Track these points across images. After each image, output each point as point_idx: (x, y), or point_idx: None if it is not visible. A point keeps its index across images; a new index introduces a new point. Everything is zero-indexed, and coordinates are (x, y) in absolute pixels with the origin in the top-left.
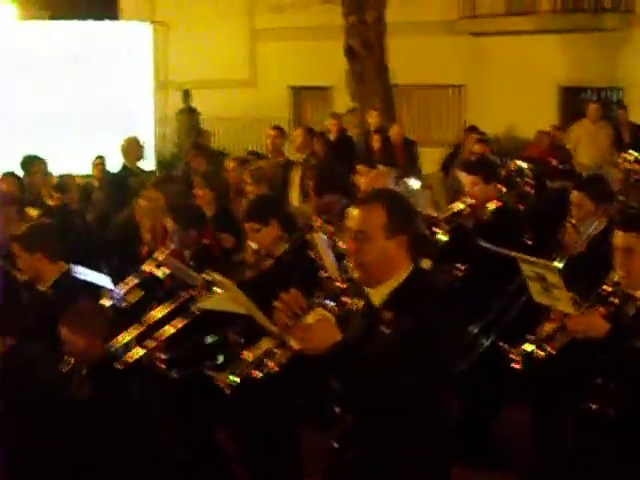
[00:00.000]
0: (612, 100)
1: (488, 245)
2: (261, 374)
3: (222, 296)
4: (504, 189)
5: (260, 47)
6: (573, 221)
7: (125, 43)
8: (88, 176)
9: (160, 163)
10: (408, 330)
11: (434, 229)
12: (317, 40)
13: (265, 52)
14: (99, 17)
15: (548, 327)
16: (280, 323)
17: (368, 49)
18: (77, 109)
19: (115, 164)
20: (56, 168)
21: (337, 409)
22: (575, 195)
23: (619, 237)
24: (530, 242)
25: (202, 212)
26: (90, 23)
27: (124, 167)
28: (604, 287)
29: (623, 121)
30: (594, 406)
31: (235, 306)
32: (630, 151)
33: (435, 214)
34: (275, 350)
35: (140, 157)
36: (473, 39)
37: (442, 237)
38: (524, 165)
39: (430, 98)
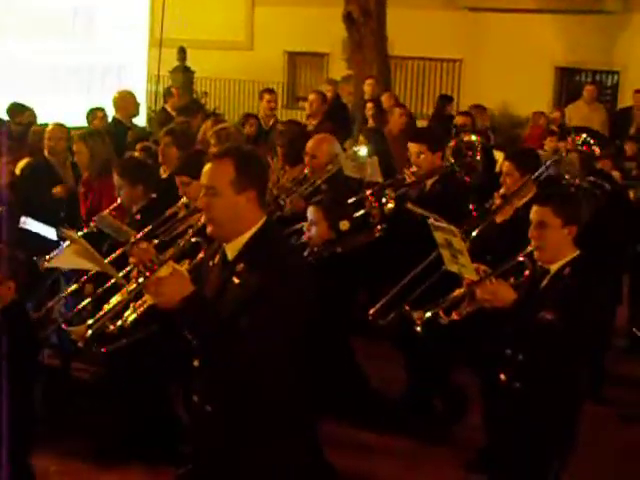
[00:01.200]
0: (607, 84)
1: (415, 208)
2: (116, 327)
3: (70, 251)
4: (452, 159)
5: (258, 10)
6: (502, 190)
7: None
8: (82, 128)
9: (151, 120)
10: (253, 282)
11: (382, 197)
12: (315, 6)
13: (263, 15)
14: None
15: (456, 294)
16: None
17: (367, 17)
18: (72, 63)
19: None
20: (47, 119)
21: (195, 362)
22: (505, 165)
23: (534, 211)
24: (474, 213)
25: (150, 168)
26: None
27: (115, 121)
28: (518, 258)
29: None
30: (503, 377)
31: (83, 261)
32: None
33: (381, 180)
34: (131, 303)
35: (135, 113)
36: (471, 14)
37: (389, 204)
38: (473, 138)
39: (426, 71)
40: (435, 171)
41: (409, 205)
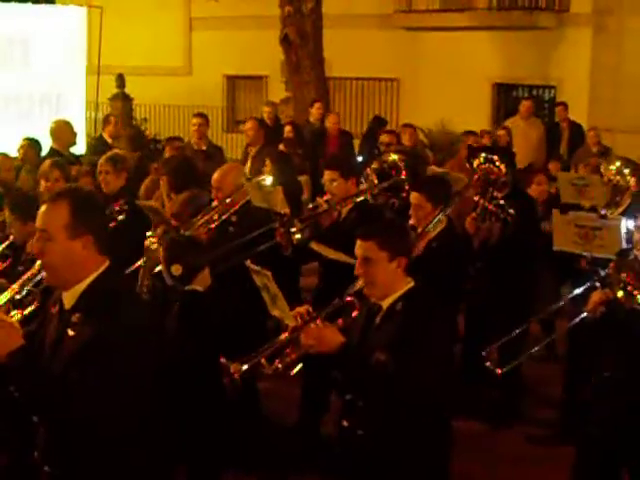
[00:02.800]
0: (544, 98)
1: (320, 247)
2: None
3: None
4: (376, 180)
5: (196, 35)
6: (411, 222)
7: (60, 26)
8: (14, 158)
9: (90, 148)
10: (87, 333)
11: (290, 227)
12: (252, 29)
13: (200, 40)
14: (35, 1)
15: (281, 339)
16: None
17: (304, 39)
18: (7, 91)
19: (44, 148)
20: None
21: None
22: (413, 196)
23: (357, 246)
24: None
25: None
26: (25, 6)
27: (52, 151)
28: (345, 298)
29: (562, 118)
30: (345, 423)
31: None
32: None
33: (287, 211)
34: None
35: (72, 142)
36: (408, 33)
37: (296, 235)
38: (394, 157)
39: (364, 91)
40: (350, 198)
41: (313, 245)
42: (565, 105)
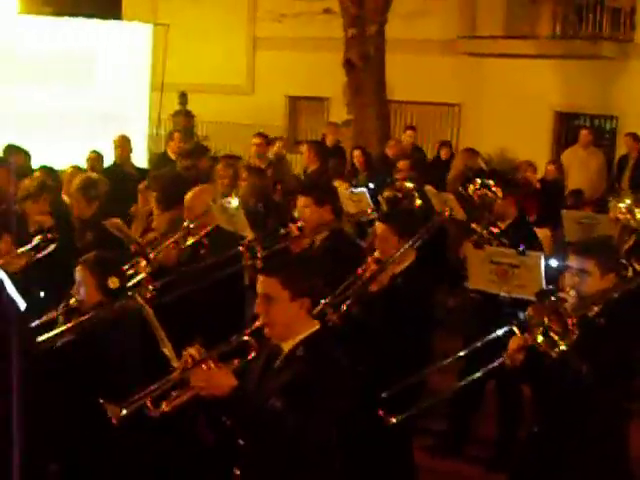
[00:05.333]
0: (606, 128)
1: None
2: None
3: None
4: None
5: (259, 54)
6: (376, 254)
7: (125, 43)
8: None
9: (153, 164)
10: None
11: (254, 252)
12: (316, 51)
13: (264, 60)
14: (102, 16)
15: (168, 379)
16: None
17: (367, 62)
18: (73, 107)
19: (108, 161)
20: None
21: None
22: (378, 227)
23: (259, 282)
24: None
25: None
26: (91, 22)
27: (114, 164)
28: (242, 337)
29: (632, 148)
30: (237, 472)
31: None
32: (477, 179)
33: (250, 235)
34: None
35: (127, 156)
36: (470, 59)
37: (259, 261)
38: (408, 185)
39: (425, 116)
40: (323, 226)
41: None
42: (635, 136)
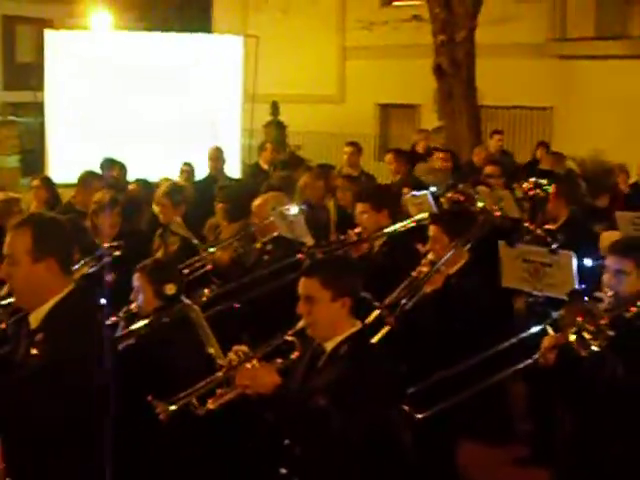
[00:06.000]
0: None
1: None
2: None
3: None
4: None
5: (349, 64)
6: (430, 256)
7: (217, 55)
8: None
9: (246, 174)
10: (47, 354)
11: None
12: (406, 58)
13: (354, 69)
14: (193, 30)
15: (213, 379)
16: None
17: (457, 68)
18: (167, 119)
19: (201, 173)
20: (143, 175)
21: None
22: (431, 229)
23: (300, 284)
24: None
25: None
26: (183, 35)
27: (209, 175)
28: (285, 336)
29: None
30: (283, 470)
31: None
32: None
33: (310, 242)
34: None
35: (221, 168)
36: (562, 62)
37: None
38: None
39: (516, 120)
40: (381, 232)
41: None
42: None
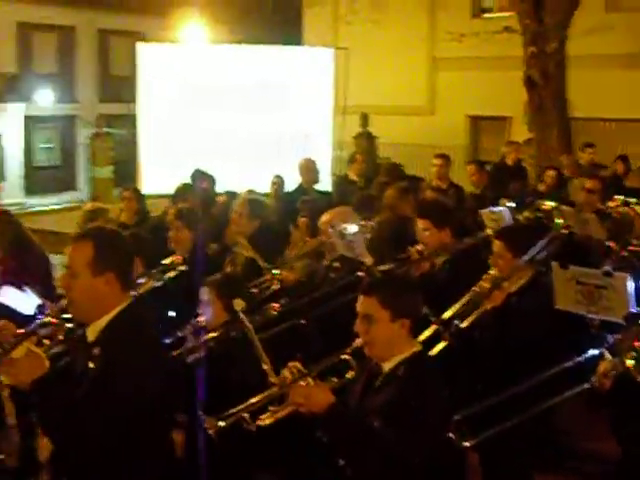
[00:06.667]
0: None
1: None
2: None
3: None
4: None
5: (439, 75)
6: (492, 272)
7: (308, 68)
8: (266, 195)
9: (336, 186)
10: (104, 367)
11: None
12: (496, 70)
13: (444, 80)
14: (283, 42)
15: (267, 394)
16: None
17: (547, 80)
18: (258, 131)
19: (292, 185)
20: (235, 187)
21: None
22: (495, 245)
23: (359, 302)
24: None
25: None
26: (274, 48)
27: (299, 187)
28: (342, 355)
29: None
30: None
31: None
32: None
33: (369, 261)
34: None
35: (314, 180)
36: None
37: None
38: (549, 204)
39: (609, 133)
40: (444, 249)
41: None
42: None
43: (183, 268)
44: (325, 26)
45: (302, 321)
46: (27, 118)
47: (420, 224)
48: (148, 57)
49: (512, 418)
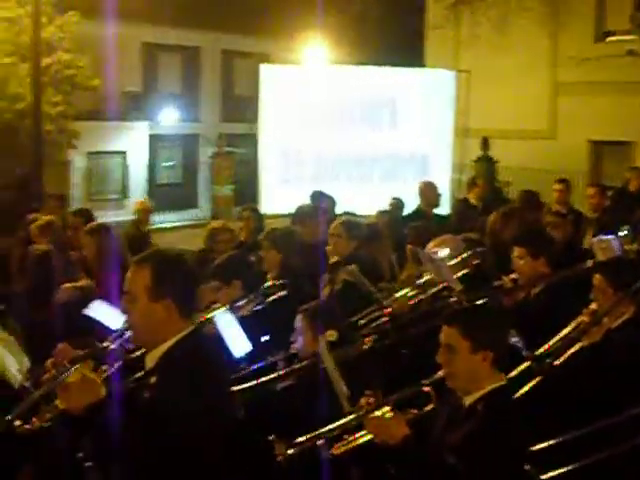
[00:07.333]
0: None
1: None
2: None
3: None
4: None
5: (561, 99)
6: (592, 306)
7: (429, 89)
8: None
9: (455, 209)
10: (157, 399)
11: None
12: (619, 94)
13: (566, 105)
14: (404, 64)
15: (344, 422)
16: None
17: None
18: (377, 152)
19: (410, 208)
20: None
21: None
22: (596, 279)
23: (442, 331)
24: None
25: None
26: (395, 69)
27: (417, 210)
28: (422, 387)
29: None
30: None
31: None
32: None
33: (457, 287)
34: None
35: (435, 203)
36: None
37: None
38: None
39: None
40: (539, 279)
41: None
42: None
43: (283, 293)
44: (447, 48)
45: (403, 351)
46: (151, 137)
47: (515, 252)
48: (271, 78)
49: (591, 454)
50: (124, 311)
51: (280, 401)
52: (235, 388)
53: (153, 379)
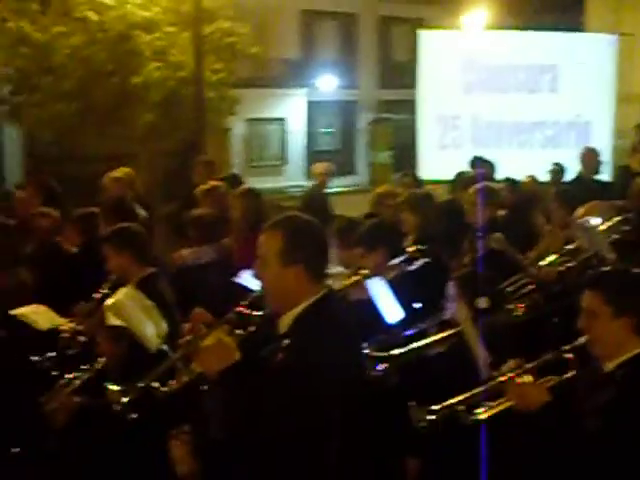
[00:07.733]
0: None
1: None
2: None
3: None
4: None
5: None
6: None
7: (590, 54)
8: (544, 183)
9: (616, 176)
10: (292, 360)
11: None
12: None
13: None
14: (564, 28)
15: (481, 390)
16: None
17: None
18: (537, 118)
19: (571, 174)
20: (509, 174)
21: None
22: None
23: (584, 297)
24: None
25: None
26: (555, 34)
27: (579, 177)
28: (564, 354)
29: None
30: None
31: None
32: None
33: (611, 256)
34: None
35: (596, 170)
36: None
37: None
38: None
39: None
40: None
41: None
42: None
43: (425, 260)
44: (609, 11)
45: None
46: (309, 103)
47: None
48: (428, 43)
49: None
50: (257, 276)
51: (435, 367)
52: (389, 353)
53: (286, 342)
